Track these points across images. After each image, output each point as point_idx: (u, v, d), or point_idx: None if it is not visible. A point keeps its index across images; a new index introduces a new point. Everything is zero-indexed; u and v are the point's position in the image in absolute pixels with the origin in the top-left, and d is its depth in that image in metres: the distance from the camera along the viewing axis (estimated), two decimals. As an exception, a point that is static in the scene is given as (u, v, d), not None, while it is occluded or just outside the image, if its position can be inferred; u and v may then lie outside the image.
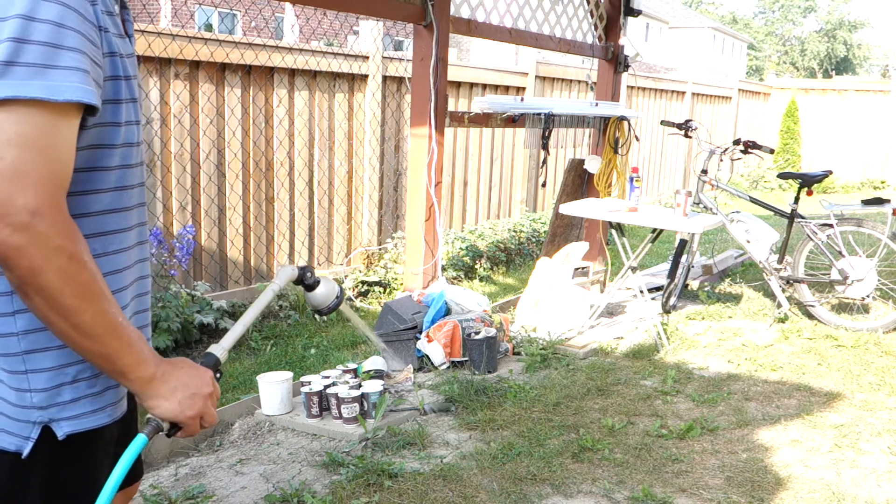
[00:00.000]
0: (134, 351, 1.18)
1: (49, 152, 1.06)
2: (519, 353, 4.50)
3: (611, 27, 6.20)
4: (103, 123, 1.18)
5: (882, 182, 13.91)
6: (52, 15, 1.05)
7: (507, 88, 7.77)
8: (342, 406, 3.39)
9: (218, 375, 1.37)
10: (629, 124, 5.90)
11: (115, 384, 1.27)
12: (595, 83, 6.39)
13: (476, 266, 6.58)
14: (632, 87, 9.88)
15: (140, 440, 1.25)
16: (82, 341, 1.14)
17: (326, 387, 3.50)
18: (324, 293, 1.61)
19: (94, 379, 1.25)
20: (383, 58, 6.22)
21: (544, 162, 5.46)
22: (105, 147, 1.20)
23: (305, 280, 1.58)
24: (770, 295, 5.53)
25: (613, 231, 4.94)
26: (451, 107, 6.63)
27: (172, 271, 4.62)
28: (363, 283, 5.94)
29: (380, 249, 6.40)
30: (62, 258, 1.08)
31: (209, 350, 1.39)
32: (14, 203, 1.03)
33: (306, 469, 3.09)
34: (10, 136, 1.03)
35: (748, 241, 5.35)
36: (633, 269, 4.86)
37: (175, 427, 1.28)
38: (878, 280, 5.11)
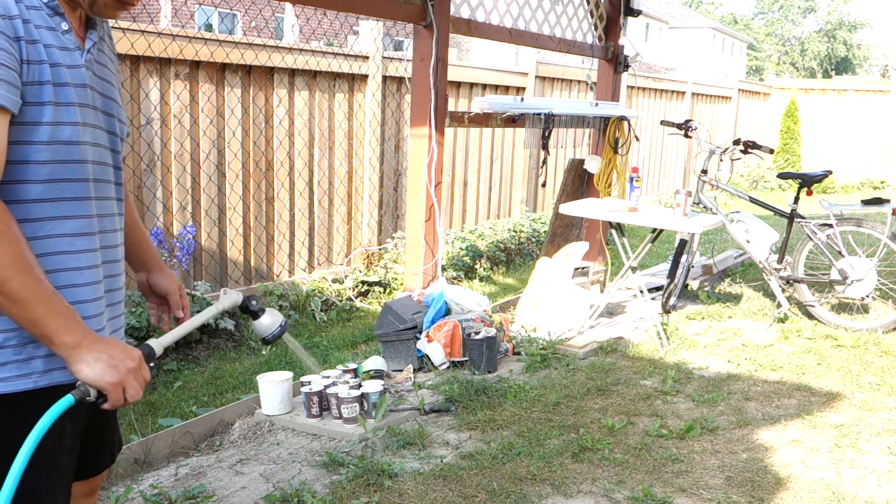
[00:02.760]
0: (59, 319, 1.34)
1: None
2: (519, 353, 4.50)
3: (611, 27, 6.20)
4: (23, 122, 1.35)
5: (882, 182, 13.92)
6: None
7: (507, 88, 7.77)
8: (342, 406, 3.39)
9: (151, 365, 1.50)
10: (629, 124, 5.90)
11: (43, 354, 1.40)
12: (595, 83, 6.39)
13: (476, 266, 6.58)
14: (632, 87, 9.89)
15: (66, 399, 1.36)
16: (11, 307, 1.31)
17: (326, 387, 3.50)
18: (268, 322, 1.67)
19: (21, 347, 1.39)
20: (383, 58, 6.22)
21: (544, 162, 5.46)
22: (26, 143, 1.36)
23: (250, 307, 1.65)
24: (770, 295, 5.53)
25: (613, 231, 4.94)
26: (451, 107, 6.63)
27: (174, 271, 4.61)
28: (363, 283, 5.94)
29: (380, 249, 6.40)
30: None
31: (148, 342, 1.51)
32: None
33: (306, 469, 3.09)
34: None
35: (748, 241, 5.35)
36: (633, 269, 4.86)
37: (102, 396, 1.40)
38: (878, 280, 5.11)
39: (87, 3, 1.47)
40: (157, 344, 1.52)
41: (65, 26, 1.44)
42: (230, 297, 1.63)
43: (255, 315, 1.67)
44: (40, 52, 1.38)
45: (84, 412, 1.56)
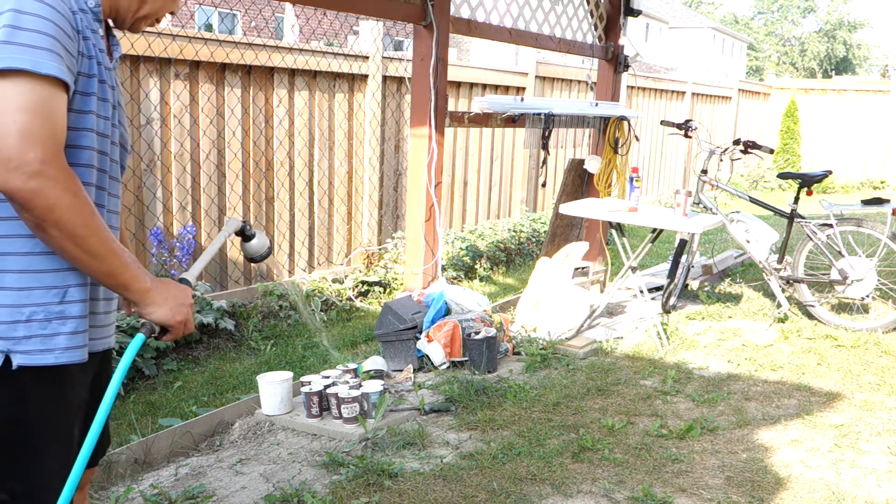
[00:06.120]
0: (131, 268, 1.50)
1: (49, 117, 1.36)
2: (519, 353, 4.50)
3: (611, 27, 6.20)
4: (72, 109, 1.45)
5: (882, 182, 13.92)
6: (36, 10, 1.36)
7: (507, 88, 7.77)
8: (342, 406, 3.39)
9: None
10: (629, 124, 5.90)
11: (67, 331, 1.49)
12: (595, 83, 6.39)
13: (476, 266, 6.58)
14: (632, 87, 9.88)
15: (138, 338, 1.55)
16: (91, 262, 1.43)
17: (326, 387, 3.50)
18: (258, 244, 1.92)
19: (46, 322, 1.47)
20: (383, 58, 6.22)
21: (544, 162, 5.46)
22: (73, 129, 1.46)
23: (246, 231, 1.89)
24: (770, 295, 5.53)
25: (613, 231, 4.94)
26: (451, 107, 6.63)
27: (172, 271, 4.61)
28: (363, 283, 5.94)
29: (380, 249, 6.40)
30: (69, 195, 1.37)
31: (182, 276, 1.69)
32: (27, 156, 1.32)
33: (306, 469, 3.09)
34: (19, 104, 1.33)
35: (748, 241, 5.35)
36: (633, 269, 4.86)
37: (163, 331, 1.58)
38: (878, 280, 5.11)
39: (129, 21, 1.65)
40: (191, 276, 1.69)
41: (101, 32, 1.58)
42: (234, 222, 1.86)
43: (248, 238, 1.90)
44: (90, 49, 1.50)
45: (86, 400, 1.63)
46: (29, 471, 1.51)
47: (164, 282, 1.58)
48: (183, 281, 1.66)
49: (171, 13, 1.72)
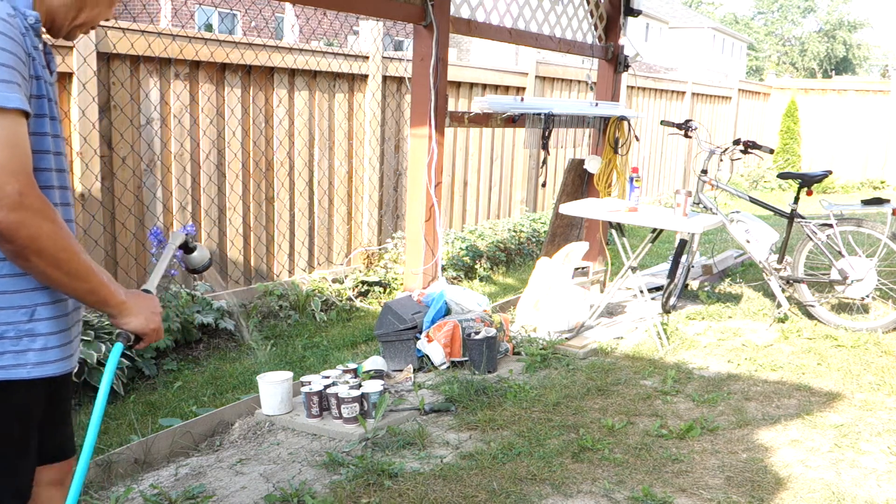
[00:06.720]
0: (108, 284, 1.57)
1: (19, 148, 1.39)
2: (519, 353, 4.50)
3: (611, 27, 6.20)
4: (32, 132, 1.48)
5: (882, 182, 13.92)
6: None
7: (507, 88, 7.77)
8: (342, 406, 3.39)
9: None
10: (629, 124, 5.90)
11: (37, 347, 1.54)
12: (595, 83, 6.39)
13: (476, 266, 6.58)
14: (632, 87, 9.88)
15: (118, 347, 1.64)
16: (74, 283, 1.50)
17: (326, 387, 3.50)
18: (198, 257, 2.02)
19: (17, 339, 1.52)
20: (383, 58, 6.22)
21: (544, 162, 5.46)
22: (39, 152, 1.50)
23: (188, 244, 1.98)
24: (770, 295, 5.53)
25: (613, 231, 4.94)
26: (451, 107, 6.63)
27: (172, 271, 4.61)
28: (363, 283, 5.94)
29: (380, 249, 6.40)
30: (49, 223, 1.41)
31: (144, 287, 1.78)
32: (6, 190, 1.35)
33: (306, 469, 3.09)
34: None
35: (748, 241, 5.35)
36: (633, 269, 4.86)
37: (137, 339, 1.67)
38: (878, 280, 5.11)
39: (66, 30, 1.66)
40: (152, 287, 1.79)
41: (41, 47, 1.58)
42: (179, 235, 1.95)
43: (190, 251, 2.00)
44: (37, 69, 1.52)
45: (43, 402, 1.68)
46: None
47: (136, 294, 1.67)
48: (146, 292, 1.75)
49: (106, 20, 1.76)
